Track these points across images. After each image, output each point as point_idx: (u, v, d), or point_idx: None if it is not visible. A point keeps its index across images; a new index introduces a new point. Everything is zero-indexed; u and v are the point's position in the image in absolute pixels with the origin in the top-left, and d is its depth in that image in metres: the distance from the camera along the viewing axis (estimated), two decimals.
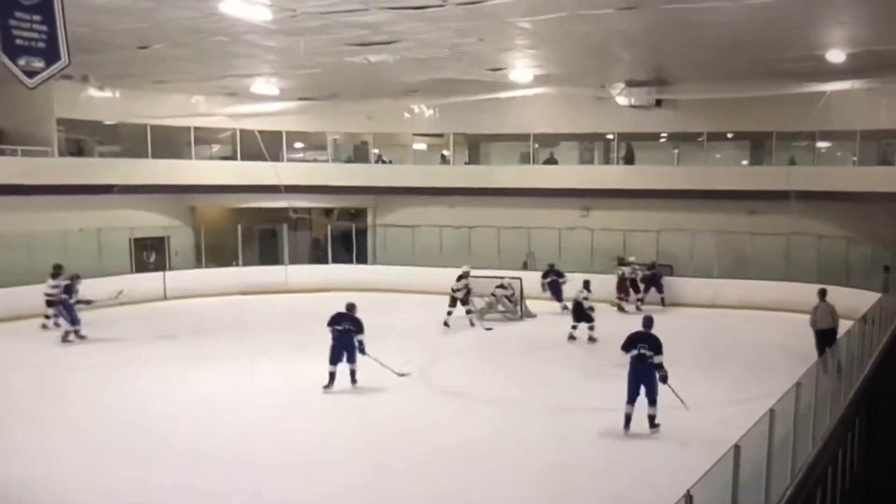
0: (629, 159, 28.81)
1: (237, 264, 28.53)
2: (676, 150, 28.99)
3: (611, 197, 27.33)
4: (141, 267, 27.39)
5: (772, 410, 8.36)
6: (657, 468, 11.44)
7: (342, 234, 30.27)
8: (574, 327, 20.28)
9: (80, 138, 27.09)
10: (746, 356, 18.88)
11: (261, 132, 28.12)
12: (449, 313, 22.03)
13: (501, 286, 23.38)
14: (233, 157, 29.56)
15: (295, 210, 29.85)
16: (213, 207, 30.19)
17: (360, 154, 31.66)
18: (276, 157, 29.26)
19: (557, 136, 29.38)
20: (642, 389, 12.85)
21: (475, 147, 31.30)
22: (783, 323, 21.60)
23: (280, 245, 30.06)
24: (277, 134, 29.49)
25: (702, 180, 26.35)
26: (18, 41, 10.00)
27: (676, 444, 12.43)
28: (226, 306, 25.19)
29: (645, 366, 12.82)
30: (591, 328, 20.10)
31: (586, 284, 20.68)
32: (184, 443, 12.51)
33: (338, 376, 15.29)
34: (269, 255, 30.11)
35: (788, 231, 24.90)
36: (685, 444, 12.32)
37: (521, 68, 22.29)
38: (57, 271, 20.89)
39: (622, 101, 25.08)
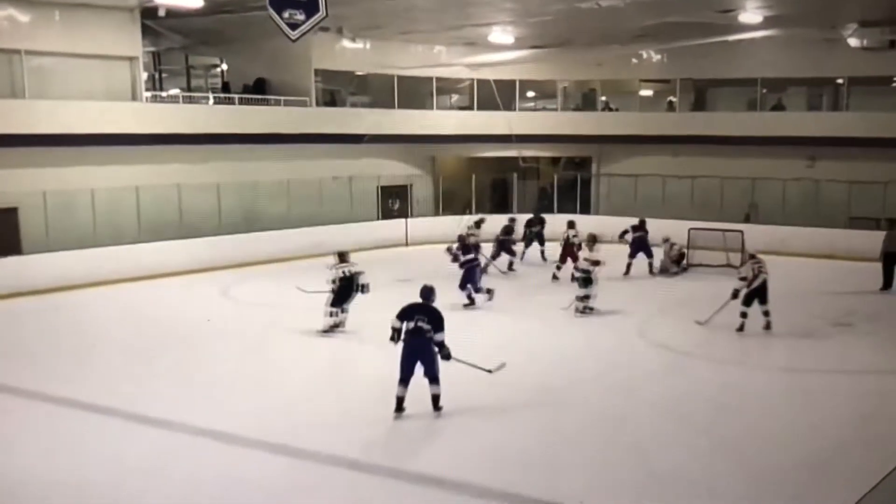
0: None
1: (470, 212, 27.60)
2: None
3: (838, 146, 24.68)
4: (386, 214, 27.55)
5: None
6: None
7: (567, 184, 29.38)
8: None
9: (334, 89, 27.22)
10: None
11: (496, 81, 27.39)
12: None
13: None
14: (469, 108, 29.32)
15: (524, 159, 28.94)
16: (451, 157, 30.10)
17: (587, 102, 30.69)
18: (508, 107, 28.55)
19: (785, 81, 27.00)
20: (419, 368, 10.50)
21: (701, 93, 29.41)
22: None
23: (510, 194, 29.62)
24: (511, 83, 28.78)
25: None
26: None
27: None
28: None
29: (422, 340, 10.43)
30: None
31: None
32: None
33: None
34: (499, 203, 29.65)
35: None
36: None
37: (751, 9, 20.82)
38: None
39: (854, 42, 22.81)
